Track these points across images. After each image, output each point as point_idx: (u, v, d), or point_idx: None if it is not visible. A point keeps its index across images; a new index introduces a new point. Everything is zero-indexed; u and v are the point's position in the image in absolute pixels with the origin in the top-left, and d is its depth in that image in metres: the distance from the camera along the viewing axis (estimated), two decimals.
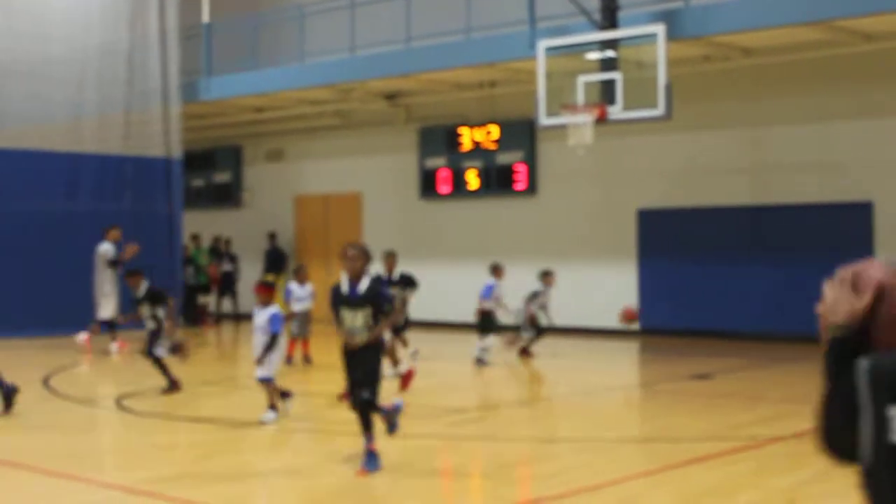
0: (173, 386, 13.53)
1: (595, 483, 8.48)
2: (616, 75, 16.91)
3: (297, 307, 16.34)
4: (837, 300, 2.76)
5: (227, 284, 26.26)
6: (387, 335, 13.43)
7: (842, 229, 18.67)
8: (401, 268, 16.07)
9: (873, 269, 2.75)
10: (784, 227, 19.43)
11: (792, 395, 13.61)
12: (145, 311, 13.72)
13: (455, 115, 23.51)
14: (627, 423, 12.34)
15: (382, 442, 9.24)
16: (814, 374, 14.25)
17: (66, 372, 16.15)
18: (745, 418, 11.79)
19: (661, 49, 16.22)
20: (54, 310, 21.19)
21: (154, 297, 13.75)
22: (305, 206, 26.74)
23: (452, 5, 21.43)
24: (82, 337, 18.87)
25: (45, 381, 14.72)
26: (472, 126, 23.16)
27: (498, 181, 22.85)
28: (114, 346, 18.61)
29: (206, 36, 24.60)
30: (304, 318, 16.46)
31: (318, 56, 23.50)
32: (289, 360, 15.96)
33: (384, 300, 9.15)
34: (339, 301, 9.05)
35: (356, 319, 8.93)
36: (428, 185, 23.98)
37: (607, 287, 21.11)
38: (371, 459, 8.93)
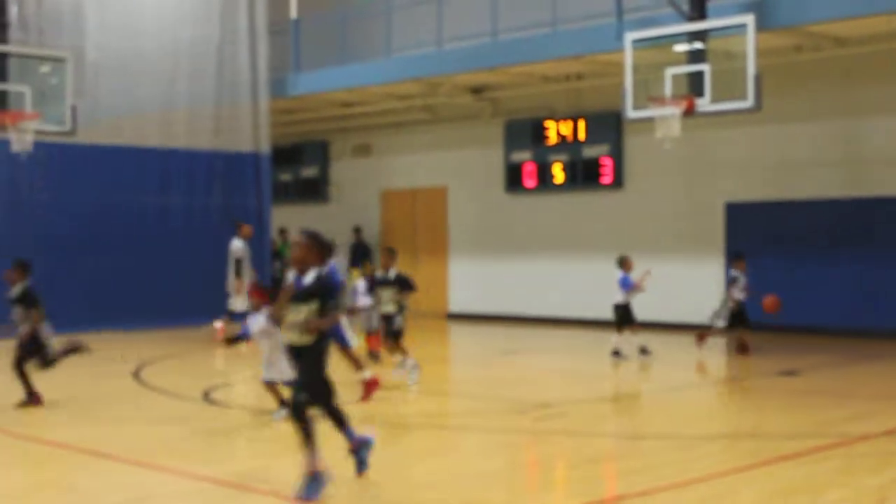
0: (32, 399, 11.98)
1: (681, 480, 8.40)
2: (704, 67, 16.71)
3: (362, 302, 16.10)
4: None
5: None
6: (354, 339, 12.93)
7: None
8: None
9: None
10: (876, 220, 19.06)
11: (882, 391, 13.35)
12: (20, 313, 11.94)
13: (541, 108, 23.44)
14: (714, 420, 12.20)
15: (464, 436, 9.21)
16: None
17: (157, 364, 16.42)
18: (834, 415, 11.60)
19: (750, 40, 16.00)
20: (145, 302, 21.59)
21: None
22: (392, 201, 26.86)
23: None
24: (217, 326, 19.19)
25: (136, 374, 14.98)
26: (558, 119, 23.07)
27: (584, 175, 22.74)
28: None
29: (295, 31, 24.82)
30: (372, 314, 15.94)
31: (405, 51, 23.59)
32: (375, 355, 15.91)
33: (330, 294, 8.13)
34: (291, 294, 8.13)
35: (299, 314, 8.00)
36: (513, 178, 23.95)
37: (694, 282, 20.89)
38: (311, 486, 7.81)
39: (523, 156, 23.76)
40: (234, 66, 24.08)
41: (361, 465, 8.45)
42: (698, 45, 16.97)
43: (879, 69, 19.02)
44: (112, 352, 17.29)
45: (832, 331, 19.22)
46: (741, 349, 17.14)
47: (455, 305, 25.27)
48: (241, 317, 19.06)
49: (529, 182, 23.64)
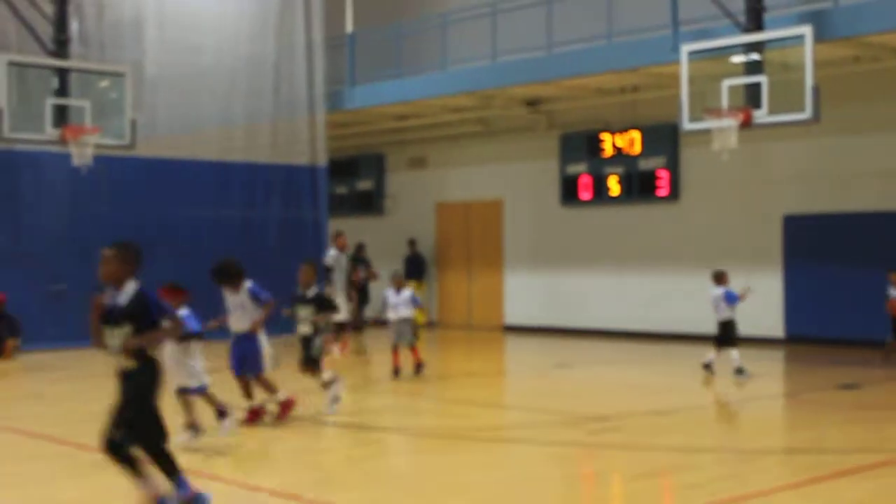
0: None
1: (738, 495, 8.34)
2: (761, 78, 16.60)
3: (392, 315, 15.90)
4: None
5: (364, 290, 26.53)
6: (271, 363, 11.93)
7: None
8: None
9: None
10: None
11: None
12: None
13: (596, 120, 23.40)
14: (772, 434, 12.09)
15: (519, 449, 9.19)
16: None
17: (216, 374, 16.53)
18: (895, 430, 11.47)
19: (808, 51, 15.88)
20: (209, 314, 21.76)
21: None
22: (447, 213, 26.92)
23: (594, 10, 21.31)
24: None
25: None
26: (613, 132, 23.02)
27: (640, 187, 22.66)
28: (335, 348, 18.79)
29: (350, 45, 24.99)
30: (403, 326, 15.87)
31: (460, 63, 23.66)
32: (396, 372, 15.73)
33: (153, 315, 7.36)
34: (102, 315, 7.40)
35: (114, 338, 7.29)
36: (569, 191, 23.91)
37: (752, 295, 20.69)
38: None
39: (579, 168, 23.72)
40: (291, 82, 24.31)
41: None
42: (755, 57, 16.86)
43: None
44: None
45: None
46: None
47: (511, 318, 25.25)
48: (338, 328, 19.20)
49: (585, 195, 23.59)
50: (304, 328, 12.54)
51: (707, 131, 17.04)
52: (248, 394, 11.83)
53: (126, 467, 7.30)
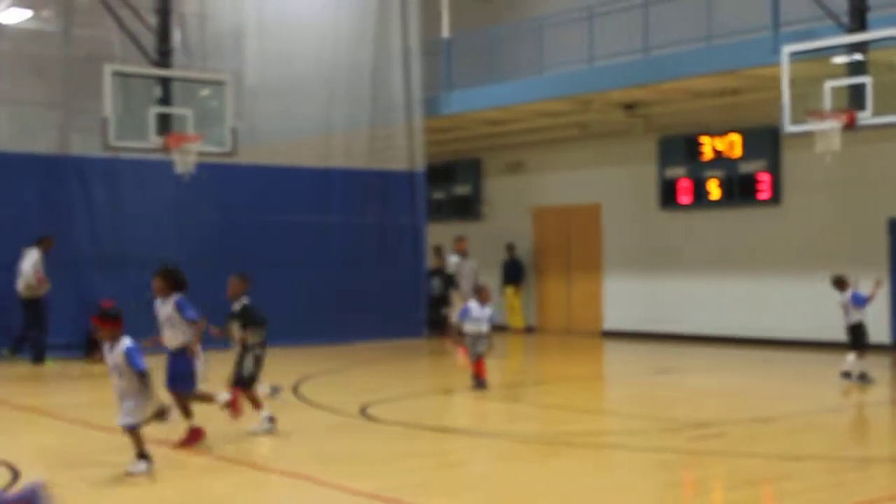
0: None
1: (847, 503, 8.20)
2: (865, 79, 16.27)
3: (470, 327, 15.49)
4: None
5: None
6: (202, 380, 11.03)
7: None
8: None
9: None
10: None
11: None
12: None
13: (695, 123, 23.16)
14: (876, 442, 11.85)
15: (618, 455, 9.10)
16: None
17: (315, 379, 16.74)
18: None
19: None
20: (308, 319, 22.04)
21: None
22: (544, 218, 26.85)
23: (692, 13, 21.12)
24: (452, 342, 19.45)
25: (295, 389, 15.30)
26: (713, 135, 22.76)
27: (740, 191, 22.36)
28: (458, 353, 18.78)
29: (447, 51, 25.08)
30: (478, 339, 15.41)
31: (557, 68, 23.61)
32: (481, 383, 15.28)
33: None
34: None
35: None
36: (668, 195, 23.70)
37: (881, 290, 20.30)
38: None
39: (678, 172, 23.50)
40: (389, 88, 24.50)
41: None
42: (859, 57, 16.55)
43: None
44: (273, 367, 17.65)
45: None
46: None
47: (609, 323, 25.10)
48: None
49: (684, 198, 23.36)
50: (236, 345, 11.57)
51: (809, 134, 16.77)
52: (185, 412, 10.74)
53: None
